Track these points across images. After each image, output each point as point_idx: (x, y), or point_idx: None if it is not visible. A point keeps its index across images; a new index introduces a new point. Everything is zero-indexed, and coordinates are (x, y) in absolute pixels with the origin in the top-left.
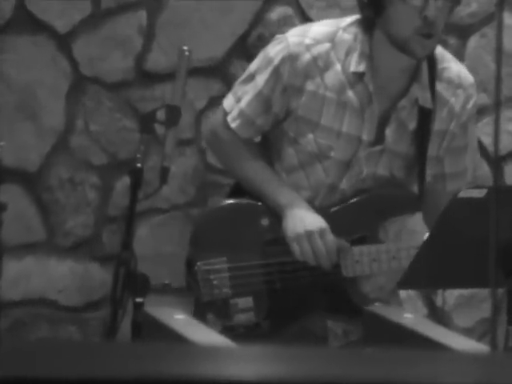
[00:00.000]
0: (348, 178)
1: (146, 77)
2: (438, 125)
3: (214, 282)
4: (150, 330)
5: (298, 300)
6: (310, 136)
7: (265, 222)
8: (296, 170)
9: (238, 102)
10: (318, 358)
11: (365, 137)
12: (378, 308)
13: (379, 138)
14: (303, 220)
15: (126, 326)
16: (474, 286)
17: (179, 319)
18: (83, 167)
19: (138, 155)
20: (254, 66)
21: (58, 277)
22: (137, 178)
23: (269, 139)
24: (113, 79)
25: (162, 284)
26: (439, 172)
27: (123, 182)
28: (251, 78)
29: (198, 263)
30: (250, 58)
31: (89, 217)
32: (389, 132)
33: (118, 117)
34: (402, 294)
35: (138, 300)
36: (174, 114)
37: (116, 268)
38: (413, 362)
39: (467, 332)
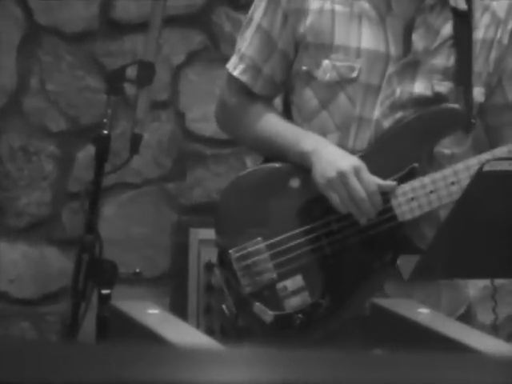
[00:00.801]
0: (380, 104)
1: (114, 27)
2: (480, 33)
3: (254, 268)
4: (119, 328)
5: (355, 263)
6: (326, 62)
7: (294, 182)
8: (318, 113)
9: (238, 52)
10: (317, 361)
11: (392, 50)
12: (385, 301)
13: (407, 51)
14: (332, 162)
15: (89, 323)
16: (502, 276)
17: (153, 314)
18: (39, 134)
19: (105, 120)
20: (251, 9)
21: (9, 264)
22: (103, 148)
23: (289, 103)
24: (74, 29)
25: (133, 273)
26: (501, 102)
27: (86, 152)
28: (249, 21)
29: (230, 251)
30: (235, 3)
31: (45, 193)
32: (416, 37)
33: (80, 74)
34: None
35: (104, 291)
36: (146, 72)
37: (78, 254)
38: (429, 365)
39: (492, 330)
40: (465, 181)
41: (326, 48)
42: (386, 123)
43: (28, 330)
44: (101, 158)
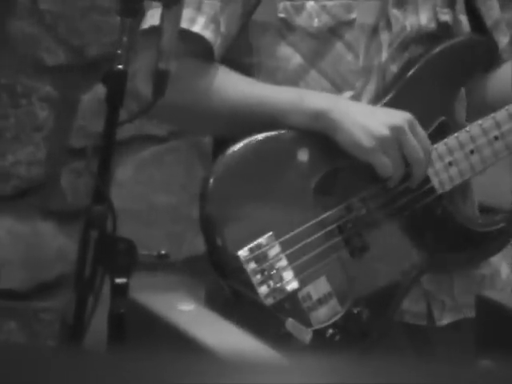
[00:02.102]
0: (388, 45)
1: None
2: None
3: (272, 273)
4: (139, 329)
5: (391, 255)
6: (311, 4)
7: (303, 154)
8: (303, 74)
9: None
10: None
11: None
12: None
13: None
14: (377, 115)
15: (99, 323)
16: None
17: (186, 311)
18: (29, 70)
19: (119, 51)
20: None
21: None
22: (116, 88)
23: (235, 60)
24: None
25: (157, 255)
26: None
27: (94, 94)
28: None
29: (240, 253)
30: None
31: (39, 149)
32: None
33: None
34: None
35: (120, 281)
36: None
37: (84, 230)
38: None
39: None
40: (510, 134)
41: None
42: (394, 67)
43: (16, 332)
44: (114, 101)
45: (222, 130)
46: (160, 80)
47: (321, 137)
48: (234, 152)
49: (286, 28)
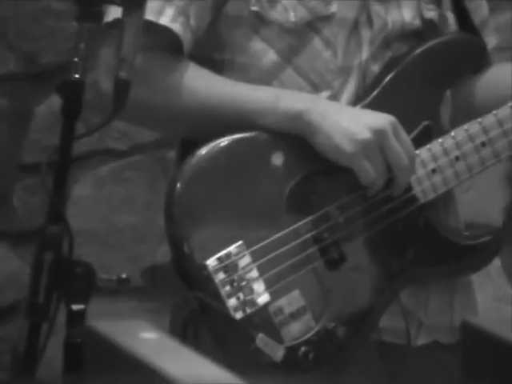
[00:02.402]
0: (369, 42)
1: None
2: None
3: (240, 284)
4: (97, 360)
5: (369, 267)
6: None
7: (278, 158)
8: (278, 71)
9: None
10: None
11: None
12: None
13: None
14: (358, 118)
15: (54, 353)
16: None
17: (150, 340)
18: None
19: (75, 59)
20: None
21: None
22: (73, 99)
23: (205, 55)
24: None
25: (117, 279)
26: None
27: (49, 106)
28: None
29: (208, 262)
30: None
31: None
32: None
33: None
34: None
35: (77, 307)
36: None
37: (37, 253)
38: None
39: None
40: (498, 141)
41: None
42: (376, 67)
43: None
44: (70, 114)
45: (192, 131)
46: (121, 90)
47: (297, 140)
48: (203, 154)
49: (260, 22)
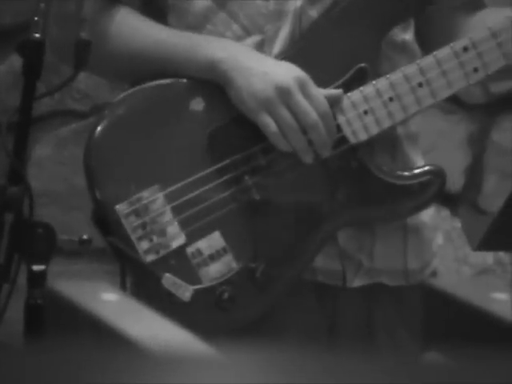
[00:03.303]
0: None
1: None
2: None
3: (153, 228)
4: (57, 321)
5: (295, 208)
6: None
7: (197, 104)
8: (212, 16)
9: None
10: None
11: None
12: (442, 282)
13: None
14: (265, 73)
15: (14, 313)
16: None
17: (110, 302)
18: None
19: (35, 18)
20: None
21: None
22: (33, 58)
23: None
24: None
25: (78, 240)
26: None
27: (8, 66)
28: None
29: (117, 206)
30: None
31: None
32: None
33: None
34: (477, 259)
35: (37, 268)
36: None
37: None
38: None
39: None
40: (436, 80)
41: None
42: (314, 12)
43: None
44: (30, 73)
45: (129, 76)
46: (82, 50)
47: (218, 86)
48: (122, 99)
49: None
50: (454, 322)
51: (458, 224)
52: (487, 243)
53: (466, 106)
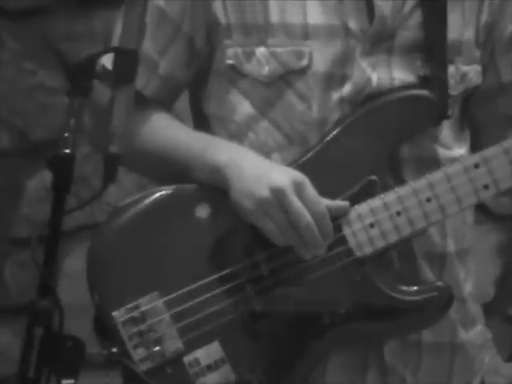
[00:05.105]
0: (348, 98)
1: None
2: None
3: (151, 336)
4: None
5: (296, 320)
6: (261, 50)
7: (203, 211)
8: (254, 124)
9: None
10: None
11: (352, 23)
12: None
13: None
14: (262, 176)
15: None
16: None
17: None
18: None
19: (66, 134)
20: None
21: None
22: (63, 173)
23: (204, 110)
24: (21, 4)
25: (107, 353)
26: (493, 84)
27: (39, 181)
28: None
29: (114, 313)
30: None
31: None
32: (380, 1)
33: (29, 67)
34: (509, 370)
35: (67, 382)
36: (126, 63)
37: (28, 327)
38: None
39: None
40: (445, 196)
41: (258, 29)
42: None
43: None
44: (61, 188)
45: (158, 176)
46: (111, 164)
47: (224, 192)
48: (127, 204)
49: (236, 75)
50: None
51: (489, 335)
52: None
53: (496, 216)
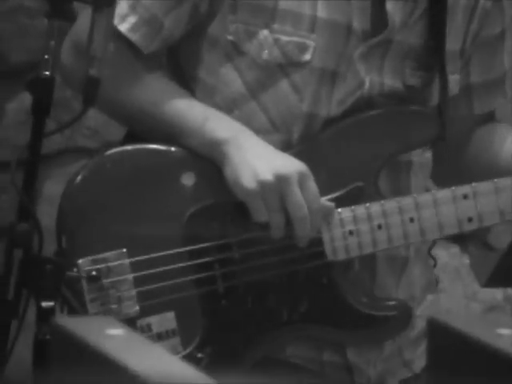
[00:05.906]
0: (340, 100)
1: None
2: None
3: (111, 293)
4: (66, 355)
5: (255, 310)
6: (265, 33)
7: (188, 178)
8: (243, 103)
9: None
10: None
11: (356, 23)
12: (449, 318)
13: (378, 26)
14: (268, 160)
15: (24, 350)
16: None
17: (116, 336)
18: None
19: (46, 56)
20: None
21: None
22: (43, 96)
23: (184, 68)
24: None
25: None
26: (462, 84)
27: (19, 103)
28: None
29: (80, 261)
30: None
31: None
32: (392, 6)
33: None
34: (486, 295)
35: (46, 304)
36: None
37: (7, 250)
38: None
39: None
40: (429, 220)
41: (266, 12)
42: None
43: None
44: (40, 111)
45: (133, 128)
46: (91, 87)
47: (213, 166)
48: (112, 154)
49: (235, 51)
50: (460, 357)
51: (466, 261)
52: (496, 280)
53: (494, 251)
